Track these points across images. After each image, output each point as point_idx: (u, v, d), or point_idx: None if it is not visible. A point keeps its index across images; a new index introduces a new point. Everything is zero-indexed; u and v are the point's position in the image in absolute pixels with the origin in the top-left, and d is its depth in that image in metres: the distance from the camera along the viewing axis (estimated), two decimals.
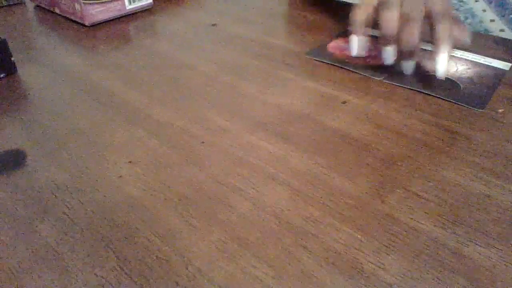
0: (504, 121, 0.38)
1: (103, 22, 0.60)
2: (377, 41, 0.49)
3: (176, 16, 0.63)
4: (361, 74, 0.46)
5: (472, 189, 0.31)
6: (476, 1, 0.59)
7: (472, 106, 0.40)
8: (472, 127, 0.38)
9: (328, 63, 0.48)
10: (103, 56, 0.51)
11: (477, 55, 0.49)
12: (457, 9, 0.61)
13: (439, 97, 0.42)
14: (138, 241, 0.28)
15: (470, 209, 0.30)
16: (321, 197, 0.31)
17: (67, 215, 0.30)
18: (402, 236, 0.28)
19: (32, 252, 0.27)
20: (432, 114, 0.40)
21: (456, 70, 0.46)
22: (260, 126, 0.38)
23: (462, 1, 0.60)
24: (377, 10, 0.44)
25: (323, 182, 0.32)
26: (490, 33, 0.59)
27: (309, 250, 0.27)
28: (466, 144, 0.36)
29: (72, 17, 0.61)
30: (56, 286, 0.25)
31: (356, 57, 0.48)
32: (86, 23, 0.59)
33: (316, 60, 0.49)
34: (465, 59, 0.48)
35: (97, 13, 0.59)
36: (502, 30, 0.59)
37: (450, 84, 0.44)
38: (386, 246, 0.27)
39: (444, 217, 0.29)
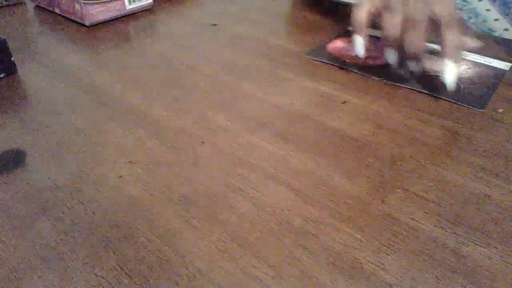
0: (504, 121, 0.38)
1: (103, 22, 0.60)
2: (377, 41, 0.49)
3: (176, 16, 0.63)
4: (361, 74, 0.46)
5: (472, 189, 0.31)
6: (480, 1, 0.59)
7: (472, 106, 0.40)
8: (472, 127, 0.38)
9: (328, 63, 0.48)
10: (103, 56, 0.51)
11: (477, 55, 0.49)
12: (460, 9, 0.61)
13: (439, 97, 0.42)
14: (138, 241, 0.28)
15: (470, 209, 0.30)
16: (321, 197, 0.31)
17: (67, 215, 0.30)
18: (402, 236, 0.28)
19: (32, 252, 0.27)
20: (432, 114, 0.40)
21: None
22: (260, 126, 0.38)
23: (465, 1, 0.60)
24: (380, 12, 0.44)
25: (323, 182, 0.32)
26: (494, 32, 0.59)
27: (309, 250, 0.27)
28: (466, 144, 0.36)
29: (72, 17, 0.61)
30: (56, 286, 0.25)
31: (356, 57, 0.48)
32: (86, 23, 0.59)
33: (316, 60, 0.49)
34: (465, 59, 0.48)
35: (97, 13, 0.59)
36: (506, 29, 0.59)
37: None
38: (386, 246, 0.27)
39: (444, 217, 0.29)
